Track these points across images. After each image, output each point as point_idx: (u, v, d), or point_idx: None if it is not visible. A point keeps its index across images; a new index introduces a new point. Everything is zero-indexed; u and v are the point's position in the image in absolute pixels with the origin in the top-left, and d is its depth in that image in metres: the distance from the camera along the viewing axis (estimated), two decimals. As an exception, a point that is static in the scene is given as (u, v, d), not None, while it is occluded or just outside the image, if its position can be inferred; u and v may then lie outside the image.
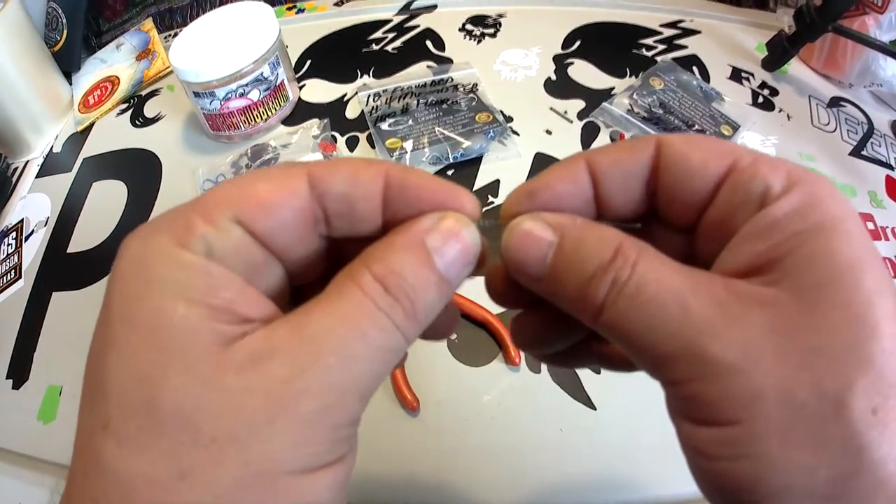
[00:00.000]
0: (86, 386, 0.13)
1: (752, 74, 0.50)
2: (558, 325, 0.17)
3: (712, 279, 0.13)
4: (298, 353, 0.12)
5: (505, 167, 0.43)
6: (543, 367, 0.34)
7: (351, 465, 0.13)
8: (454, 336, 0.35)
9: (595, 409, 0.32)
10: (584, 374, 0.33)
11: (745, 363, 0.12)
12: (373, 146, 0.45)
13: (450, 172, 0.43)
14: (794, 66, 0.51)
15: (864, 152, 0.47)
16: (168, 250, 0.12)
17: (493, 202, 0.41)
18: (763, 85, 0.50)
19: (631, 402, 0.32)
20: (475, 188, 0.42)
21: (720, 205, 0.14)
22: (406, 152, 0.43)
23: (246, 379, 0.12)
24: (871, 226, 0.42)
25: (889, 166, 0.46)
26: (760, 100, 0.48)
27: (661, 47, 0.52)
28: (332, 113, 0.48)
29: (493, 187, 0.42)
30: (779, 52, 0.49)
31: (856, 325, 0.12)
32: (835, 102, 0.50)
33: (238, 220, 0.13)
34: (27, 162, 0.50)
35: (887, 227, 0.42)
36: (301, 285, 0.15)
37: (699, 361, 0.12)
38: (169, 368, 0.12)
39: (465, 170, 0.43)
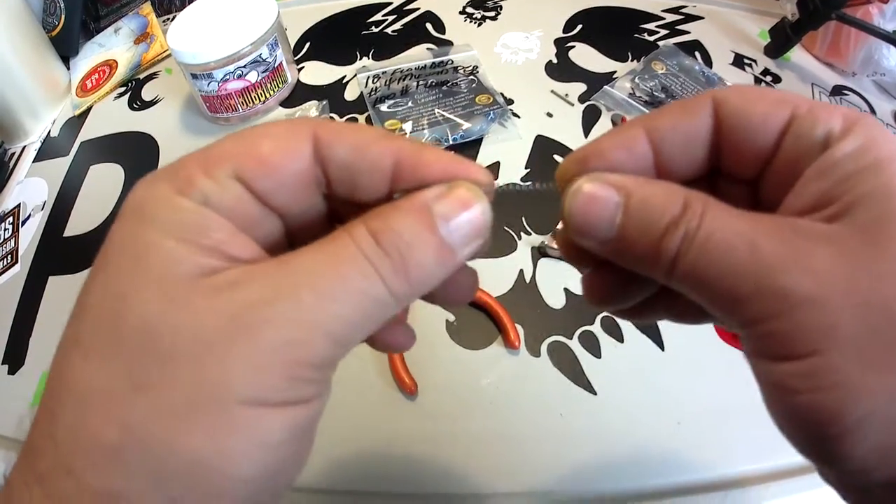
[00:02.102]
0: (73, 309, 0.13)
1: (755, 61, 0.50)
2: (630, 281, 0.16)
3: (778, 220, 0.13)
4: (273, 283, 0.12)
5: (505, 149, 0.43)
6: (543, 350, 0.33)
7: (316, 412, 0.13)
8: (453, 318, 0.34)
9: (595, 393, 0.32)
10: (585, 359, 0.33)
11: (817, 294, 0.12)
12: (372, 129, 0.44)
13: (449, 155, 0.43)
14: (797, 54, 0.51)
15: (867, 140, 0.46)
16: (166, 195, 0.13)
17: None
18: (766, 71, 0.49)
19: (631, 387, 0.32)
20: (475, 171, 0.42)
21: (785, 153, 0.14)
22: (405, 134, 0.42)
23: (214, 301, 0.12)
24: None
25: (892, 155, 0.46)
26: (763, 86, 0.48)
27: (663, 32, 0.52)
28: (331, 95, 0.48)
29: (493, 169, 0.42)
30: (782, 40, 0.49)
31: None
32: (837, 91, 0.49)
33: (238, 177, 0.13)
34: (24, 146, 0.50)
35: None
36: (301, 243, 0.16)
37: (773, 297, 0.12)
38: (144, 289, 0.12)
39: (464, 152, 0.43)
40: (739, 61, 0.50)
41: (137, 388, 0.11)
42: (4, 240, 0.44)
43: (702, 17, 0.53)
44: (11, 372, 0.36)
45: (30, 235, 0.43)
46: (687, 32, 0.52)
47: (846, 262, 0.12)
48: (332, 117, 0.46)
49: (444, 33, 0.52)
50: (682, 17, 0.53)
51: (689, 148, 0.15)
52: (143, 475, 0.11)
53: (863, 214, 0.12)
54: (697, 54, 0.50)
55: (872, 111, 0.48)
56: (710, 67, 0.49)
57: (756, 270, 0.12)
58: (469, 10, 0.54)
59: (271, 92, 0.46)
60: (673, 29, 0.52)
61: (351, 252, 0.12)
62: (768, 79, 0.49)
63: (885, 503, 0.12)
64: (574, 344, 0.33)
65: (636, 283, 0.16)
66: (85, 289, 0.13)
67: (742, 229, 0.13)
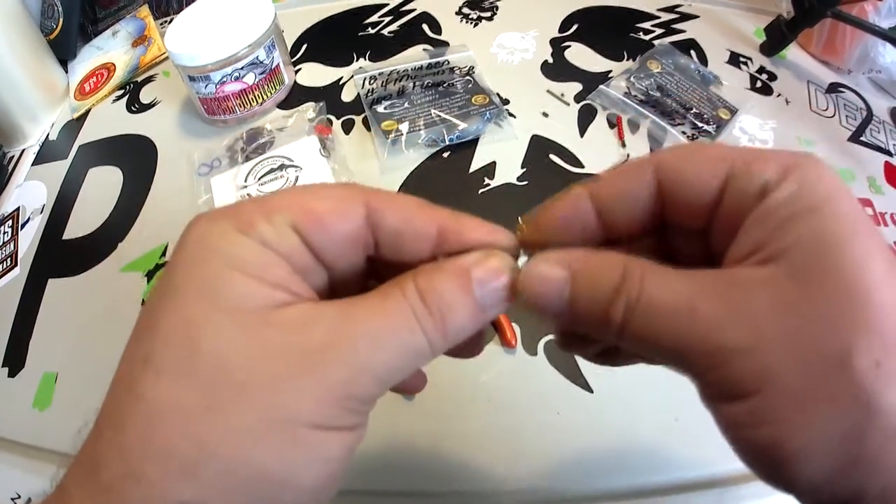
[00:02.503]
0: (136, 326, 0.14)
1: (751, 59, 0.50)
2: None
3: (715, 275, 0.14)
4: (337, 328, 0.14)
5: (501, 149, 0.43)
6: (540, 349, 0.33)
7: (359, 438, 0.15)
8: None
9: (592, 391, 0.32)
10: (582, 358, 0.33)
11: (751, 343, 0.13)
12: (368, 129, 0.45)
13: (445, 154, 0.43)
14: (793, 52, 0.51)
15: (862, 138, 0.46)
16: (229, 232, 0.14)
17: (488, 184, 0.41)
18: (761, 69, 0.49)
19: (628, 385, 0.32)
20: (471, 170, 0.42)
21: (726, 207, 0.15)
22: (402, 134, 0.42)
23: (288, 337, 0.13)
24: (870, 212, 0.42)
25: (888, 152, 0.46)
26: (759, 84, 0.48)
27: (658, 31, 0.52)
28: (328, 96, 0.48)
29: (489, 169, 0.42)
30: (777, 37, 0.49)
31: (849, 289, 0.13)
32: (833, 88, 0.49)
33: (295, 228, 0.14)
34: (23, 150, 0.50)
35: (886, 212, 0.42)
36: (340, 292, 0.17)
37: (715, 352, 0.13)
38: (217, 317, 0.13)
39: (460, 152, 0.43)
40: (735, 60, 0.50)
41: (211, 408, 0.13)
42: (4, 243, 0.44)
43: (697, 16, 0.53)
44: (12, 374, 0.36)
45: (29, 238, 0.43)
46: (682, 31, 0.52)
47: (779, 307, 0.13)
48: (329, 119, 0.46)
49: (440, 34, 0.52)
50: (677, 15, 0.54)
51: (634, 209, 0.16)
52: (215, 486, 0.12)
53: (795, 258, 0.13)
54: (693, 53, 0.50)
55: (868, 109, 0.48)
56: (706, 66, 0.49)
57: (697, 331, 0.13)
58: (465, 10, 0.54)
59: (269, 94, 0.46)
60: (668, 28, 0.52)
61: (401, 307, 0.14)
62: (764, 77, 0.49)
63: None
64: (571, 342, 0.34)
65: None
66: (150, 309, 0.14)
67: (680, 290, 0.14)
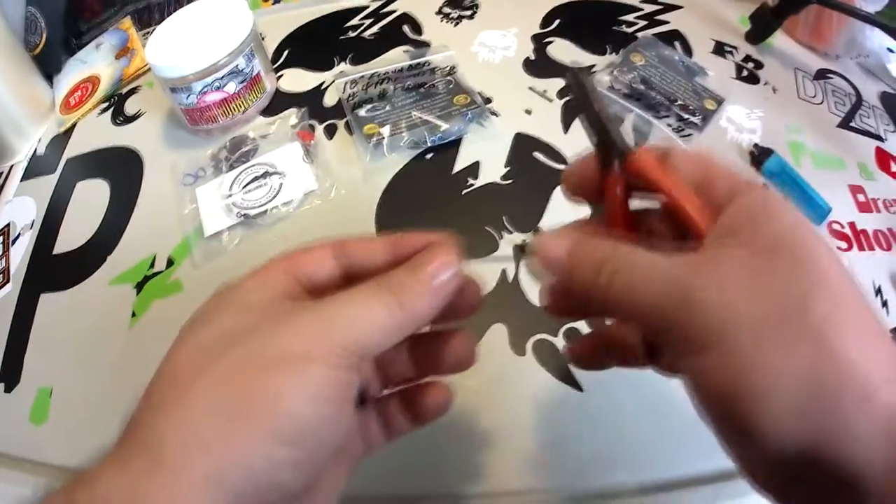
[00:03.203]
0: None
1: (736, 48, 0.50)
2: (607, 349, 0.23)
3: (690, 253, 0.17)
4: (327, 303, 0.18)
5: (484, 149, 0.43)
6: (528, 349, 0.33)
7: (353, 385, 0.18)
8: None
9: (582, 390, 0.32)
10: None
11: (719, 297, 0.15)
12: (351, 133, 0.45)
13: (429, 156, 0.43)
14: (779, 39, 0.51)
15: (852, 124, 0.46)
16: (247, 281, 0.20)
17: (472, 184, 0.41)
18: (747, 58, 0.49)
19: (618, 383, 0.31)
20: (455, 171, 0.42)
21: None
22: (384, 138, 0.42)
23: (284, 307, 0.18)
24: (861, 198, 0.42)
25: (879, 137, 0.45)
26: (745, 73, 0.48)
27: (641, 23, 0.52)
28: (311, 102, 0.47)
29: (473, 169, 0.42)
30: (763, 25, 0.49)
31: (804, 260, 0.15)
32: (821, 74, 0.49)
33: (287, 272, 0.20)
34: (12, 166, 0.50)
35: (878, 198, 0.42)
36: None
37: (685, 306, 0.16)
38: (231, 308, 0.19)
39: (444, 153, 0.43)
40: (720, 49, 0.49)
41: (211, 354, 0.17)
42: (-4, 260, 0.44)
43: (680, 7, 0.53)
44: (7, 390, 0.36)
45: (20, 254, 0.43)
46: (666, 22, 0.52)
47: (744, 270, 0.15)
48: (311, 125, 0.46)
49: (421, 35, 0.52)
50: (660, 6, 0.53)
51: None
52: (211, 402, 0.16)
53: (758, 242, 0.16)
54: (677, 44, 0.50)
55: (858, 94, 0.48)
56: (691, 57, 0.48)
57: (671, 289, 0.16)
58: (445, 9, 0.54)
59: (250, 102, 0.46)
60: (651, 19, 0.52)
61: (375, 294, 0.18)
62: (750, 65, 0.48)
63: (805, 477, 0.15)
64: (559, 341, 0.34)
65: (612, 350, 0.23)
66: (186, 322, 0.19)
67: (659, 261, 0.17)
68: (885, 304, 0.36)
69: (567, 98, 0.45)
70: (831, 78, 0.49)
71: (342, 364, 0.17)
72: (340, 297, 0.18)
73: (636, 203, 0.21)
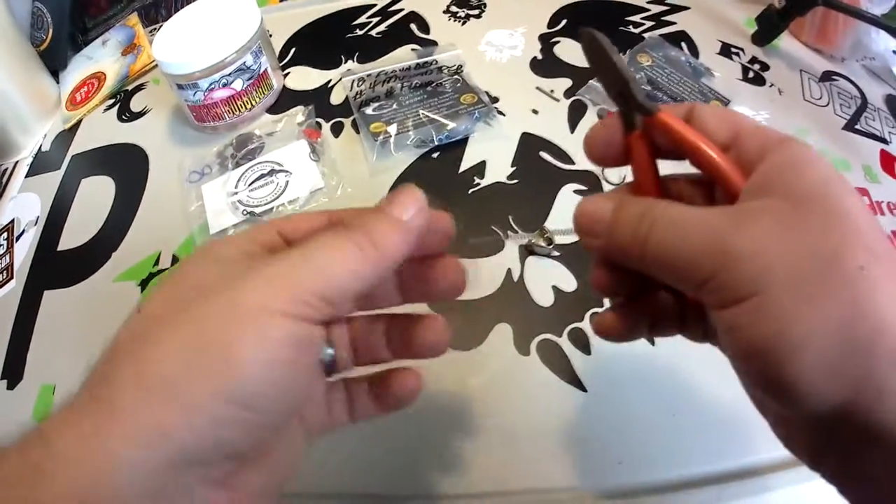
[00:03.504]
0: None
1: (742, 49, 0.50)
2: (641, 317, 0.22)
3: (724, 207, 0.17)
4: (304, 252, 0.17)
5: (491, 148, 0.43)
6: (532, 349, 0.33)
7: (315, 345, 0.17)
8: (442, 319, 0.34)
9: (586, 390, 0.32)
10: (575, 356, 0.33)
11: (753, 248, 0.15)
12: (357, 132, 0.44)
13: (435, 155, 0.43)
14: (785, 41, 0.51)
15: (857, 126, 0.46)
16: (226, 239, 0.20)
17: (479, 183, 0.41)
18: (753, 60, 0.49)
19: (622, 383, 0.31)
20: (461, 170, 0.42)
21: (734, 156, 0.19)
22: (390, 136, 0.42)
23: (254, 260, 0.18)
24: (866, 200, 0.41)
25: (884, 140, 0.45)
26: (751, 75, 0.48)
27: (648, 24, 0.52)
28: (317, 99, 0.47)
29: (479, 168, 0.42)
30: (769, 27, 0.49)
31: (839, 212, 0.15)
32: (827, 76, 0.49)
33: (274, 227, 0.20)
34: (17, 162, 0.50)
35: (883, 201, 0.42)
36: None
37: (721, 255, 0.15)
38: (204, 262, 0.18)
39: (450, 152, 0.43)
40: (726, 51, 0.49)
41: (182, 309, 0.16)
42: (0, 256, 0.44)
43: (687, 7, 0.53)
44: (10, 387, 0.36)
45: (24, 251, 0.43)
46: (673, 23, 0.52)
47: (779, 223, 0.15)
48: (318, 123, 0.46)
49: (428, 33, 0.52)
50: (667, 7, 0.53)
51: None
52: (178, 356, 0.16)
53: (792, 194, 0.16)
54: (684, 45, 0.50)
55: (863, 96, 0.48)
56: (697, 58, 0.48)
57: (707, 239, 0.16)
58: (453, 8, 0.54)
59: (257, 99, 0.46)
60: (658, 20, 0.52)
61: (345, 235, 0.18)
62: (756, 67, 0.48)
63: (840, 435, 0.15)
64: (564, 341, 0.33)
65: (646, 317, 0.22)
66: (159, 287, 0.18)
67: (697, 212, 0.17)
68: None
69: (573, 98, 0.45)
70: (837, 80, 0.49)
71: (310, 315, 0.16)
72: (309, 242, 0.17)
73: (666, 168, 0.20)
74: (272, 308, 0.16)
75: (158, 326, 0.16)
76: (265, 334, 0.16)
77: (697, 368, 0.31)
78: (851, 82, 0.49)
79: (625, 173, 0.40)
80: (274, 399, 0.16)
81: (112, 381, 0.16)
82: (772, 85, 0.47)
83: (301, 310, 0.16)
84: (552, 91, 0.46)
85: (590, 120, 0.44)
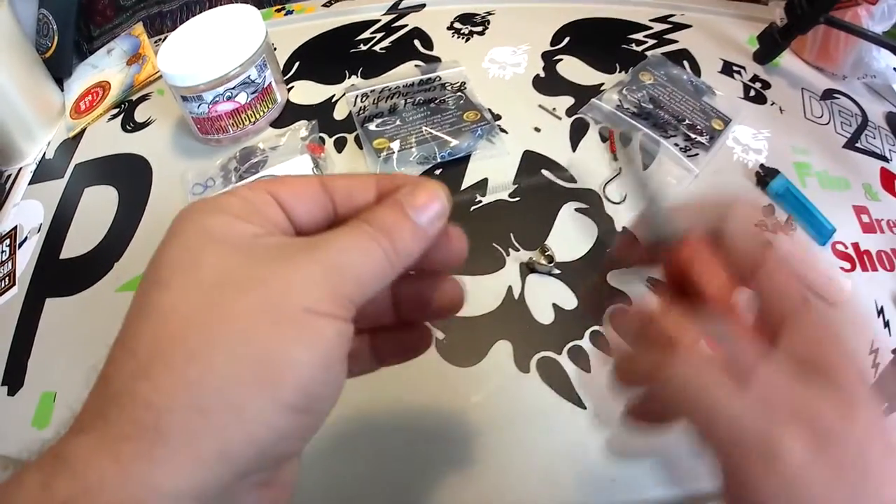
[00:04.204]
0: (148, 267, 0.17)
1: (744, 68, 0.50)
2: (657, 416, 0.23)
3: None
4: (317, 242, 0.17)
5: (493, 165, 0.43)
6: (532, 367, 0.34)
7: (347, 332, 0.16)
8: (442, 336, 0.35)
9: (585, 408, 0.32)
10: (574, 374, 0.33)
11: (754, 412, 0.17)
12: (361, 147, 0.45)
13: (437, 172, 0.43)
14: (787, 59, 0.51)
15: (858, 144, 0.46)
16: (218, 196, 0.18)
17: (480, 201, 0.41)
18: (755, 78, 0.49)
19: (620, 402, 0.32)
20: (463, 187, 0.42)
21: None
22: (393, 152, 0.42)
23: (274, 250, 0.16)
24: (865, 219, 0.42)
25: (884, 158, 0.46)
26: (752, 93, 0.48)
27: (650, 42, 0.52)
28: (321, 114, 0.48)
29: (482, 186, 0.42)
30: (770, 45, 0.49)
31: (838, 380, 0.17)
32: (828, 94, 0.49)
33: (269, 191, 0.18)
34: (20, 168, 0.50)
35: (882, 219, 0.42)
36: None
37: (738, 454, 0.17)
38: (211, 244, 0.16)
39: (452, 169, 0.43)
40: (728, 69, 0.50)
41: (215, 304, 0.15)
42: (2, 262, 0.44)
43: (689, 26, 0.53)
44: (11, 393, 0.36)
45: (27, 257, 0.43)
46: (675, 42, 0.52)
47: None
48: (321, 138, 0.46)
49: (431, 50, 0.52)
50: (669, 26, 0.53)
51: None
52: (220, 368, 0.14)
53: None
54: (686, 63, 0.50)
55: (864, 114, 0.48)
56: (699, 76, 0.49)
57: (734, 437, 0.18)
58: (457, 25, 0.54)
59: (261, 113, 0.46)
60: (661, 38, 0.52)
61: (360, 229, 0.17)
62: (758, 85, 0.49)
63: None
64: (563, 359, 0.34)
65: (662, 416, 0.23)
66: (157, 253, 0.16)
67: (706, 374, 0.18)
68: (886, 324, 0.36)
69: (575, 116, 0.46)
70: (838, 98, 0.49)
71: (348, 316, 0.16)
72: (337, 240, 0.17)
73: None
74: (320, 310, 0.15)
75: (194, 331, 0.14)
76: (319, 335, 0.15)
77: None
78: (852, 100, 0.49)
79: (625, 192, 0.41)
80: (327, 398, 0.16)
81: (150, 400, 0.14)
82: (773, 103, 0.47)
83: (342, 311, 0.16)
84: (554, 109, 0.46)
85: (591, 138, 0.45)
